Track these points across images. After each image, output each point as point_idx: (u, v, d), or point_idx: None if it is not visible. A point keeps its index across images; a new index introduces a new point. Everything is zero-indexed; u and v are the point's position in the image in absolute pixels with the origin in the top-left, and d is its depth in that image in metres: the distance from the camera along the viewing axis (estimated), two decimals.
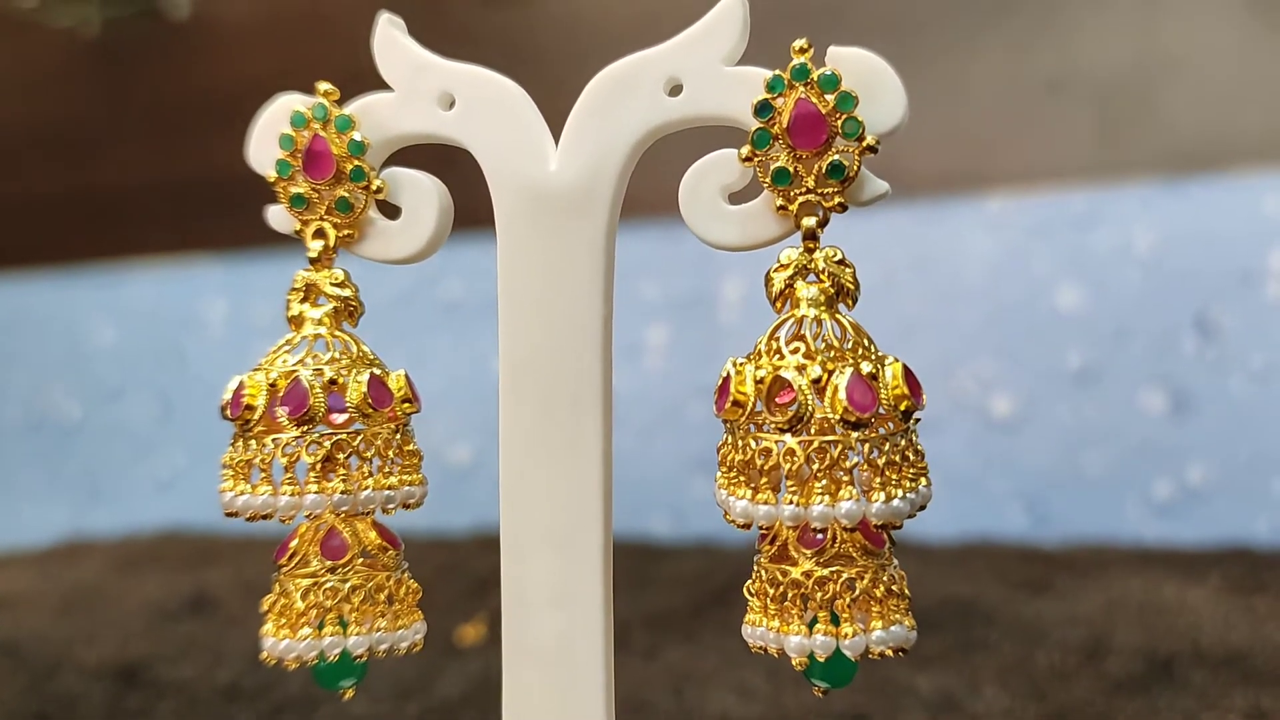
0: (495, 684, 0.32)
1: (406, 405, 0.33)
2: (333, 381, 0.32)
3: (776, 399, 0.29)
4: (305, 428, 0.32)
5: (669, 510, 0.99)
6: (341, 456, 0.32)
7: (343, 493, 0.32)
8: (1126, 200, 0.90)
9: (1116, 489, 0.90)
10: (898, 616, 0.29)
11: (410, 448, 0.33)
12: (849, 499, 0.28)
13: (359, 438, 0.32)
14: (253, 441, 0.32)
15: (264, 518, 0.32)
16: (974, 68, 0.93)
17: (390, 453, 0.32)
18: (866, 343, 0.30)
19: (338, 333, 0.33)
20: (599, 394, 0.32)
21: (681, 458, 0.99)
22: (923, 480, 0.29)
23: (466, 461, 1.05)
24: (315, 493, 0.31)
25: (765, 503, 0.29)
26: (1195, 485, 0.88)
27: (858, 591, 0.29)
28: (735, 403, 0.29)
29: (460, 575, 0.78)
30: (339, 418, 0.32)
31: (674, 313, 1.00)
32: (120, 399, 1.13)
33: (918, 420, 0.30)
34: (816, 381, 0.29)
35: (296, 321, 0.33)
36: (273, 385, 0.32)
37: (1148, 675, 0.57)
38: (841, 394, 0.28)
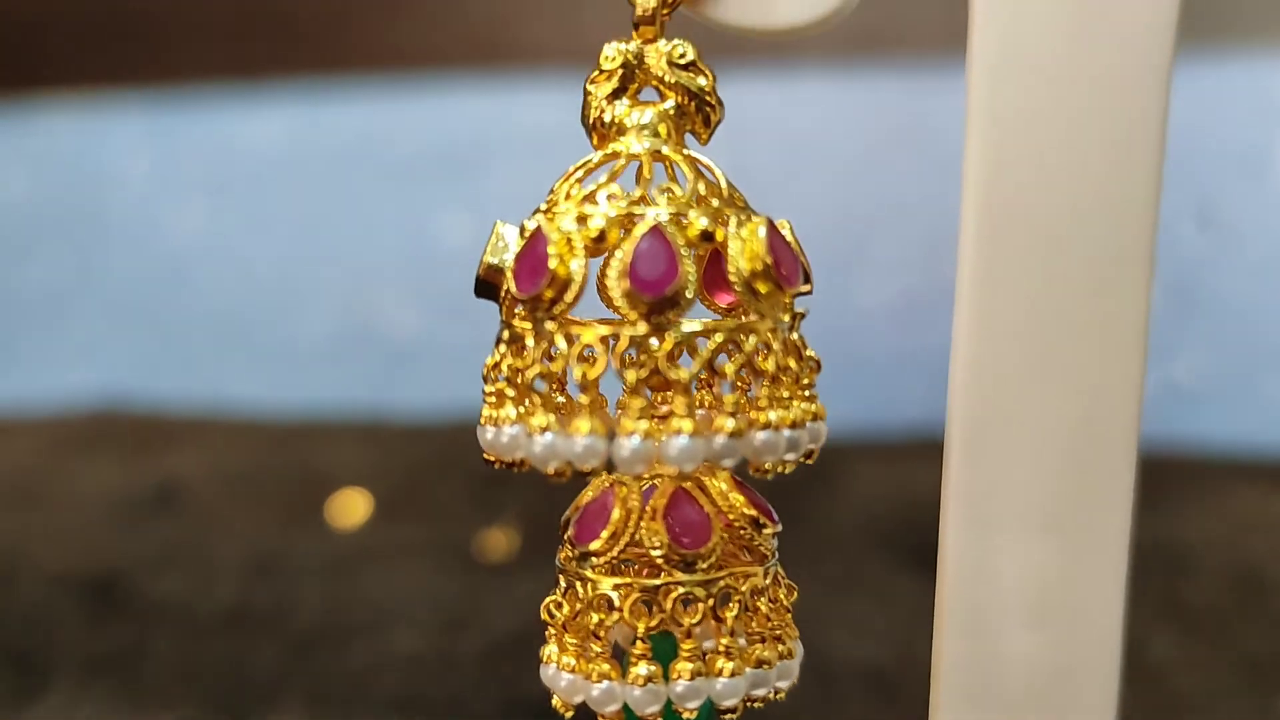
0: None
1: (806, 285, 0.19)
2: (707, 236, 0.18)
3: None
4: (663, 317, 0.18)
5: None
6: (730, 368, 0.18)
7: (731, 434, 0.18)
8: None
9: None
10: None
11: (809, 353, 0.19)
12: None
13: (751, 336, 0.18)
14: (556, 336, 0.18)
15: (583, 474, 0.18)
16: None
17: (790, 361, 0.19)
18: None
19: (685, 151, 0.19)
20: (1147, 232, 0.19)
21: None
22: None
23: (411, 334, 0.90)
24: (688, 435, 0.17)
25: None
26: (1181, 381, 0.81)
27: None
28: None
29: (458, 470, 0.63)
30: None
31: None
32: (29, 257, 0.95)
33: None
34: None
35: (606, 130, 0.19)
36: (598, 239, 0.18)
37: None
38: None
